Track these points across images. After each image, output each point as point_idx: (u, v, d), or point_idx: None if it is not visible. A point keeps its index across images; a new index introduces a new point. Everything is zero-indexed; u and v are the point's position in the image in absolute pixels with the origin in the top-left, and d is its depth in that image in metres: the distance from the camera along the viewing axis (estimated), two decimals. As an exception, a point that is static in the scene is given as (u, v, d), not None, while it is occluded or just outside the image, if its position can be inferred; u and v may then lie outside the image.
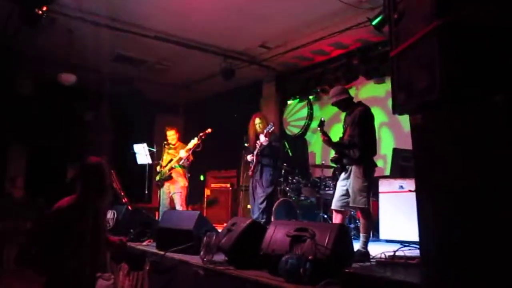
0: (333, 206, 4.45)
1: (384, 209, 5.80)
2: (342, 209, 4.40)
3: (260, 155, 5.94)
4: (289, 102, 9.05)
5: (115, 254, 4.18)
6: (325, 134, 4.37)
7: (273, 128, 5.84)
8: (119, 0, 6.06)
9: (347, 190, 4.34)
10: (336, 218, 4.42)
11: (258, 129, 6.03)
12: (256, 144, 5.95)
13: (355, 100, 4.61)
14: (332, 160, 4.50)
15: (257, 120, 6.06)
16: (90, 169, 2.99)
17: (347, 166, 4.38)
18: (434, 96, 1.89)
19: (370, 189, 4.29)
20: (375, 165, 4.42)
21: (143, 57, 8.20)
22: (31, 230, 6.45)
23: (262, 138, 5.81)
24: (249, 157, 6.04)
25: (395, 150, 6.55)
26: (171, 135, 7.00)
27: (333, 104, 4.54)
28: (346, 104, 4.47)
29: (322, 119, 4.45)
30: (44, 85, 8.64)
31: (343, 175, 4.43)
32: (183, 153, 6.55)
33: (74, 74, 8.18)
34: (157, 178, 7.00)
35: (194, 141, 6.46)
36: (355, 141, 4.23)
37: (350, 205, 4.32)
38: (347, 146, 4.30)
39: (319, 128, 4.41)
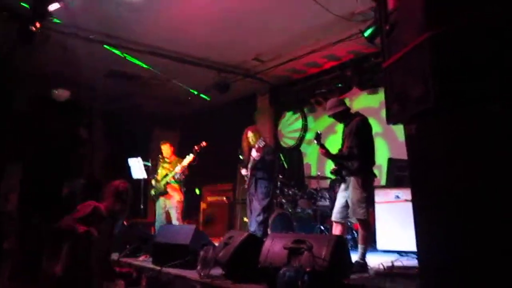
0: (333, 218, 4.44)
1: (380, 219, 5.78)
2: (343, 221, 4.39)
3: (253, 169, 5.91)
4: (285, 114, 9.07)
5: (103, 272, 4.18)
6: (323, 147, 4.38)
7: (263, 143, 5.79)
8: (113, 16, 6.09)
9: (346, 201, 4.34)
10: (336, 230, 4.40)
11: (252, 143, 6.01)
12: (250, 158, 5.94)
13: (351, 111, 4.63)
14: (332, 172, 4.50)
15: (250, 134, 6.06)
16: (116, 188, 3.32)
17: (346, 178, 4.38)
18: (429, 105, 1.90)
19: (369, 200, 4.30)
20: (374, 176, 4.43)
21: (137, 72, 8.21)
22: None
23: (254, 153, 5.80)
24: (243, 171, 6.04)
25: (390, 160, 6.57)
26: (165, 150, 6.99)
27: (330, 116, 4.56)
28: (343, 115, 4.49)
29: (318, 132, 4.45)
30: (39, 101, 8.62)
31: (343, 186, 4.43)
32: (178, 169, 6.52)
33: (68, 90, 8.19)
34: (153, 192, 6.96)
35: (189, 157, 6.44)
36: (353, 152, 4.23)
37: (350, 216, 4.32)
38: (345, 158, 4.30)
39: (315, 141, 4.42)
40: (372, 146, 4.42)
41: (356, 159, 4.24)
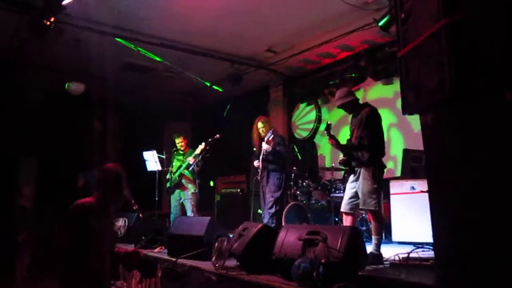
0: (342, 209, 4.44)
1: (396, 210, 5.77)
2: (352, 212, 4.39)
3: (265, 161, 5.91)
4: (299, 105, 9.05)
5: (127, 263, 4.22)
6: (332, 138, 4.37)
7: (272, 135, 5.77)
8: (125, 8, 6.12)
9: (356, 192, 4.33)
10: (346, 221, 4.41)
11: (262, 133, 5.98)
12: (262, 149, 5.94)
13: (362, 102, 4.61)
14: (340, 163, 4.49)
15: (260, 124, 6.03)
16: (110, 174, 3.07)
17: (355, 168, 4.37)
18: (445, 95, 1.89)
19: (380, 191, 4.28)
20: (384, 167, 4.41)
21: (150, 64, 8.26)
22: (43, 238, 6.51)
23: (264, 146, 5.78)
24: (255, 163, 6.02)
25: (405, 151, 6.52)
26: (179, 142, 7.06)
27: (339, 107, 4.54)
28: (352, 106, 4.48)
29: (329, 122, 4.46)
30: (53, 94, 8.73)
31: (351, 177, 4.42)
32: (190, 159, 6.59)
33: (83, 83, 8.26)
34: (168, 184, 7.03)
35: (201, 146, 6.52)
36: (363, 143, 4.22)
37: (360, 207, 4.31)
38: (355, 148, 4.29)
39: (326, 132, 4.41)
40: (382, 137, 4.41)
41: (366, 150, 4.23)
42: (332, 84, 7.98)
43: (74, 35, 6.54)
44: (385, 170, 4.45)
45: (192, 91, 10.03)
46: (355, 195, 4.33)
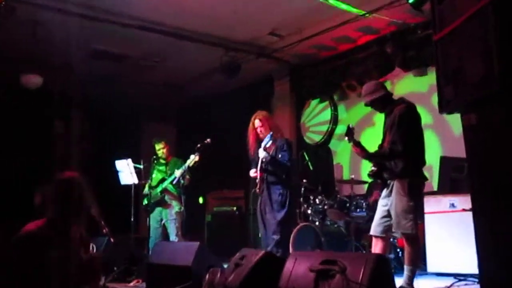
0: (372, 232, 4.45)
1: (431, 234, 5.76)
2: (384, 235, 4.39)
3: (263, 171, 5.79)
4: (310, 102, 9.06)
5: None
6: (357, 144, 4.37)
7: (271, 140, 5.65)
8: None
9: (388, 211, 4.34)
10: (376, 247, 4.41)
11: (260, 134, 5.85)
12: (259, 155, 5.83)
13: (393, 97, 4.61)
14: (369, 175, 4.50)
15: (257, 122, 5.85)
16: (65, 185, 2.98)
17: (388, 181, 4.38)
18: (493, 88, 1.88)
19: (417, 210, 4.30)
20: (424, 179, 4.41)
21: (125, 52, 8.27)
22: None
23: (261, 154, 5.65)
24: (251, 173, 5.92)
25: (443, 159, 6.52)
26: (160, 149, 7.05)
27: (367, 104, 4.55)
28: (383, 103, 4.48)
29: (350, 125, 4.43)
30: (3, 88, 8.73)
31: (384, 193, 4.43)
32: (179, 173, 6.56)
33: (40, 75, 8.26)
34: (146, 201, 7.01)
35: (195, 158, 6.43)
36: (397, 149, 4.22)
37: (393, 230, 4.33)
38: (388, 157, 4.28)
39: (347, 138, 4.40)
40: (421, 141, 4.40)
41: (400, 158, 4.22)
42: (351, 76, 7.99)
43: (29, 15, 6.55)
44: (425, 183, 4.45)
45: (177, 84, 10.04)
46: (388, 214, 4.34)
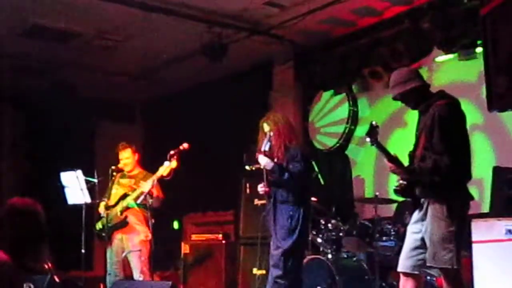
0: (400, 267, 4.44)
1: (481, 269, 5.75)
2: (416, 272, 4.39)
3: (269, 185, 5.85)
4: (321, 94, 9.08)
5: None
6: (385, 152, 4.37)
7: (269, 142, 5.71)
8: None
9: (422, 239, 4.34)
10: (406, 287, 4.41)
11: (273, 141, 5.97)
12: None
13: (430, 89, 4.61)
14: (396, 191, 4.49)
15: (266, 127, 6.01)
16: (21, 215, 3.03)
17: (421, 200, 4.38)
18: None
19: (461, 238, 4.29)
20: (470, 198, 4.41)
21: (73, 28, 8.25)
22: None
23: (261, 160, 5.74)
24: (259, 188, 5.99)
25: (497, 171, 6.52)
26: (126, 158, 7.01)
27: (396, 98, 4.56)
28: (418, 97, 4.49)
29: (374, 123, 4.43)
30: None
31: (416, 215, 4.43)
32: (147, 186, 6.56)
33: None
34: (100, 226, 7.00)
35: (171, 164, 6.45)
36: (444, 162, 4.19)
37: (428, 264, 4.31)
38: (433, 172, 4.22)
39: (369, 140, 4.39)
40: (467, 149, 4.42)
41: (445, 171, 4.22)
42: (375, 60, 8.01)
43: None
44: (470, 204, 4.46)
45: (144, 71, 10.03)
46: (422, 244, 4.34)
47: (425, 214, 4.31)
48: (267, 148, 5.71)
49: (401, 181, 4.40)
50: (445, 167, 4.19)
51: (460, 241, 4.26)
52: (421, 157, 4.33)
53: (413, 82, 4.46)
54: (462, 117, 4.42)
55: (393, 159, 4.36)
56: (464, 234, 4.34)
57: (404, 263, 4.41)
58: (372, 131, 4.36)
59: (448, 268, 4.20)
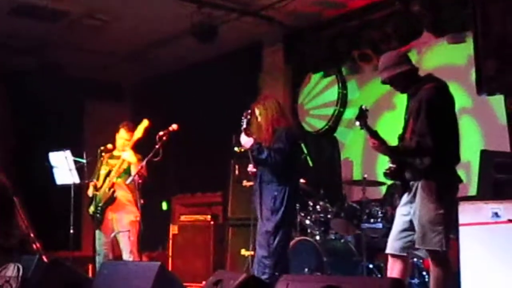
0: (388, 249, 4.48)
1: (468, 252, 5.77)
2: (404, 254, 4.43)
3: (256, 164, 5.90)
4: (310, 76, 9.06)
5: None
6: (373, 134, 4.38)
7: (245, 121, 5.76)
8: None
9: (411, 221, 4.38)
10: (393, 269, 4.44)
11: (264, 124, 5.98)
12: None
13: (420, 73, 4.62)
14: (386, 174, 4.52)
15: (257, 111, 6.03)
16: None
17: (411, 183, 4.41)
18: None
19: (449, 220, 4.33)
20: (459, 180, 4.46)
21: (61, 6, 8.19)
22: None
23: (243, 140, 5.77)
24: (249, 168, 6.02)
25: (484, 154, 6.54)
26: (126, 139, 6.95)
27: (384, 82, 4.57)
28: (406, 80, 4.50)
29: (364, 107, 4.44)
30: None
31: (405, 198, 4.47)
32: (129, 156, 6.62)
33: None
34: (92, 209, 6.99)
35: (143, 123, 6.62)
36: (427, 144, 4.24)
37: (417, 246, 4.36)
38: (416, 153, 4.31)
39: (358, 123, 4.41)
40: (455, 131, 4.44)
41: (428, 153, 4.25)
42: (365, 42, 8.00)
43: None
44: (459, 186, 4.50)
45: (133, 51, 9.99)
46: (410, 227, 4.38)
47: (414, 196, 4.35)
48: (244, 125, 5.73)
49: (390, 165, 4.43)
50: (428, 149, 4.24)
51: (448, 224, 4.30)
52: (409, 140, 4.35)
53: (401, 66, 4.48)
54: (450, 100, 4.44)
55: (380, 140, 4.38)
56: (453, 216, 4.36)
57: (392, 245, 4.45)
58: (362, 115, 4.39)
59: (436, 250, 4.25)
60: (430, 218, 4.23)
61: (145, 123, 6.61)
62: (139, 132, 6.63)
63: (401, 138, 4.49)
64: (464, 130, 7.17)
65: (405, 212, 4.43)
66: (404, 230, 4.40)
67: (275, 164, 5.75)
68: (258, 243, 5.82)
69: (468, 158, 6.87)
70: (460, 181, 4.46)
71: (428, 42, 7.67)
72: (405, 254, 4.43)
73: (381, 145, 4.38)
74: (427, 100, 4.29)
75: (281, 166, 5.80)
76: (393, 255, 4.45)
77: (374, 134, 4.38)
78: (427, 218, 4.24)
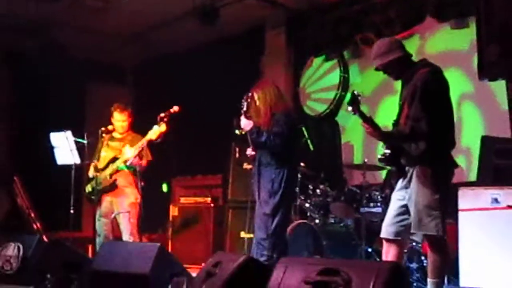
0: (383, 233, 4.49)
1: (467, 237, 5.80)
2: (399, 238, 4.43)
3: (255, 148, 5.89)
4: (312, 60, 9.04)
5: None
6: (366, 120, 4.37)
7: (245, 103, 5.77)
8: None
9: (406, 206, 4.38)
10: (388, 253, 4.46)
11: (262, 108, 5.99)
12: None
13: (418, 58, 4.61)
14: (381, 160, 4.52)
15: (255, 95, 6.02)
16: None
17: (406, 168, 4.41)
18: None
19: (445, 205, 4.32)
20: (454, 165, 4.46)
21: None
22: None
23: (243, 122, 5.77)
24: (248, 151, 6.03)
25: (485, 140, 6.54)
26: (122, 120, 6.97)
27: (378, 68, 4.57)
28: (400, 66, 4.50)
29: (356, 92, 4.40)
30: None
31: (400, 183, 4.47)
32: (131, 152, 6.56)
33: None
34: (89, 188, 7.00)
35: (155, 131, 6.46)
36: (421, 129, 4.24)
37: (412, 231, 4.38)
38: (410, 138, 4.31)
39: (351, 108, 4.37)
40: (450, 116, 4.45)
41: (423, 138, 4.25)
42: (368, 26, 7.98)
43: None
44: (455, 171, 4.49)
45: (135, 33, 9.96)
46: (406, 211, 4.38)
47: (409, 181, 4.36)
48: (245, 108, 5.74)
49: (385, 150, 4.42)
50: (422, 133, 4.24)
51: (445, 208, 4.29)
52: (404, 125, 4.35)
53: (394, 52, 4.48)
54: (444, 85, 4.43)
55: (373, 126, 4.36)
56: (449, 201, 4.36)
57: (387, 229, 4.46)
58: (354, 100, 4.34)
59: (433, 235, 4.25)
60: (426, 203, 4.23)
61: (162, 127, 6.49)
62: (154, 134, 6.52)
63: (396, 123, 4.49)
64: (465, 115, 7.20)
65: (400, 197, 4.44)
66: (399, 214, 4.41)
67: (274, 147, 5.75)
68: (256, 225, 5.84)
69: (468, 143, 6.88)
70: (456, 165, 4.46)
71: (431, 27, 7.64)
72: (399, 238, 4.44)
73: (375, 131, 4.37)
74: (422, 84, 4.29)
75: (280, 149, 5.81)
76: (388, 240, 4.46)
77: (367, 120, 4.36)
78: (423, 203, 4.24)
